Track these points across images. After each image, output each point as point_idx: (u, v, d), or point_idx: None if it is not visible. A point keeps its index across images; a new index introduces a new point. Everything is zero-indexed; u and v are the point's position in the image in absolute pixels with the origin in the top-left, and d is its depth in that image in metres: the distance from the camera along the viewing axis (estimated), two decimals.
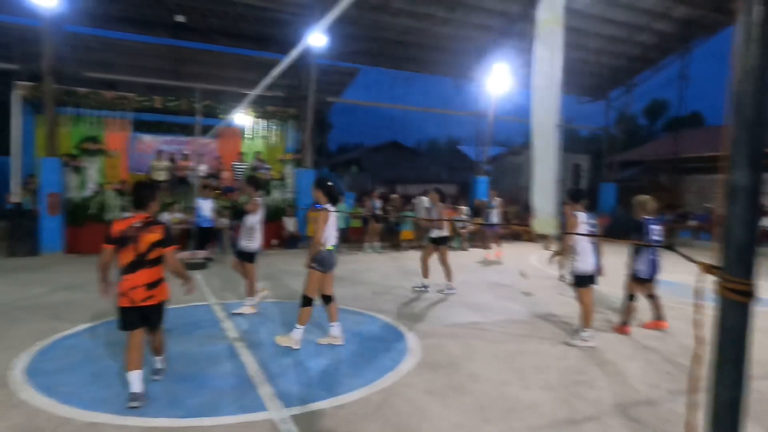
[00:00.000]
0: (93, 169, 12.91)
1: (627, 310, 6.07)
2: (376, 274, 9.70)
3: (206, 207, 10.85)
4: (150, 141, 14.82)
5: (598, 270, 5.78)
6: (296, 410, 3.62)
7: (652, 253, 5.88)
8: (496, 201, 13.65)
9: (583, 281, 5.61)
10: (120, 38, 13.79)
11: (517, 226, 16.30)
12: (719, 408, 1.62)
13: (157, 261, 3.71)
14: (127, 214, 3.77)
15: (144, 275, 3.64)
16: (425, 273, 8.20)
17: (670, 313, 6.98)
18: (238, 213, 7.50)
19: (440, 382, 4.23)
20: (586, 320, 5.52)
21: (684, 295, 8.29)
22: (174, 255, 3.79)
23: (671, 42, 17.23)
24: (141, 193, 3.79)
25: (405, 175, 25.50)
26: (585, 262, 5.54)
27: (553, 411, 3.72)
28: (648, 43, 17.24)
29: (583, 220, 5.66)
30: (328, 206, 5.08)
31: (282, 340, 5.10)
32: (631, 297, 6.09)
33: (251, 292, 6.47)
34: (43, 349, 4.90)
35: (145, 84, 14.09)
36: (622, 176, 21.70)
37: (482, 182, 18.06)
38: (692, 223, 18.10)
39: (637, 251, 5.99)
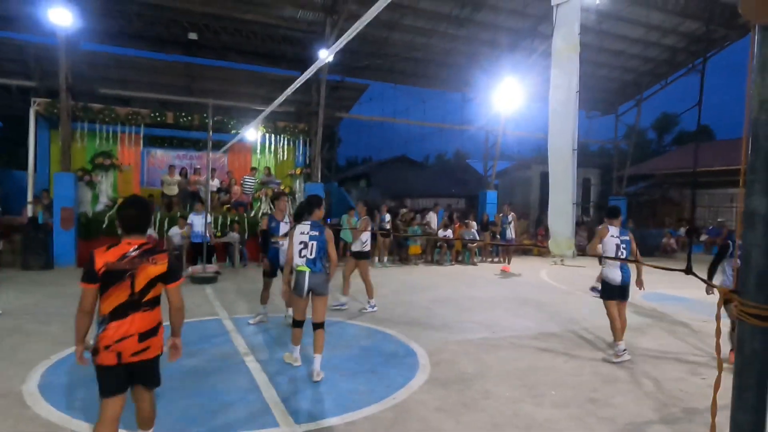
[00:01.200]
0: (106, 184, 13.08)
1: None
2: (385, 289, 9.69)
3: (198, 223, 10.67)
4: (162, 156, 15.03)
5: (637, 283, 5.83)
6: (308, 427, 3.62)
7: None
8: (511, 215, 13.67)
9: (606, 292, 5.64)
10: (134, 55, 14.07)
11: (529, 245, 16.22)
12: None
13: (156, 301, 2.81)
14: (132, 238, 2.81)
15: (138, 321, 2.71)
16: (345, 289, 7.84)
17: (682, 330, 6.92)
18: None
19: (452, 399, 4.21)
20: (614, 333, 5.52)
21: (697, 311, 8.21)
22: (180, 292, 2.90)
23: (680, 56, 17.26)
24: (135, 212, 2.83)
25: (413, 190, 25.53)
26: (611, 272, 5.59)
27: (567, 429, 3.68)
28: (658, 58, 17.27)
29: (614, 234, 5.67)
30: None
31: (286, 357, 5.12)
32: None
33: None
34: (57, 363, 4.94)
35: (158, 100, 14.34)
36: (632, 190, 21.60)
37: (491, 196, 18.06)
38: (704, 237, 17.93)
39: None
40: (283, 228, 6.44)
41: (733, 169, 17.32)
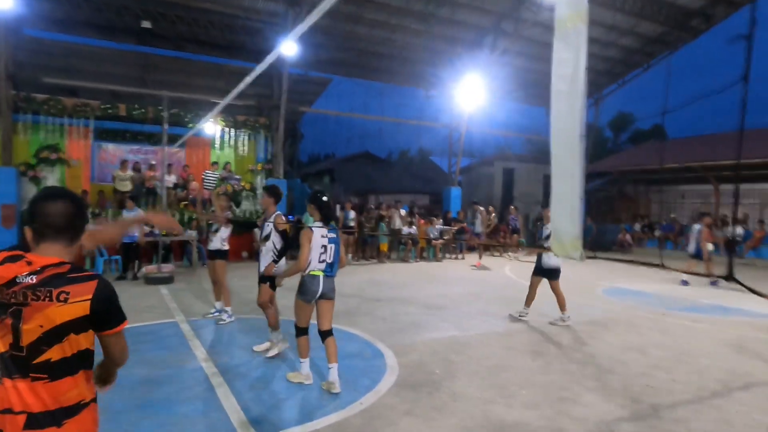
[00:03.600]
0: (52, 179, 12.32)
1: None
2: (350, 288, 9.49)
3: None
4: (114, 150, 14.27)
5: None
6: None
7: None
8: (480, 211, 13.86)
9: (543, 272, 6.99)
10: (82, 43, 13.27)
11: (496, 244, 16.33)
12: None
13: (67, 368, 1.60)
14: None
15: (27, 394, 1.55)
16: (218, 295, 6.85)
17: (646, 324, 7.03)
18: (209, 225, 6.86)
19: (422, 403, 4.06)
20: (528, 302, 7.08)
21: (656, 305, 8.39)
22: (122, 343, 1.82)
23: (636, 57, 17.75)
24: (55, 210, 1.65)
25: (377, 186, 25.37)
26: (552, 260, 6.87)
27: (539, 431, 3.60)
28: (614, 57, 17.71)
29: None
30: (318, 224, 4.31)
31: (293, 377, 4.49)
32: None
33: (274, 323, 5.29)
34: None
35: (109, 91, 13.59)
36: (590, 187, 22.15)
37: (455, 193, 18.11)
38: (658, 233, 18.55)
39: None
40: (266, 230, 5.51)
41: (683, 167, 18.00)
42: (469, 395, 4.26)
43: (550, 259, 6.85)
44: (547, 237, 6.61)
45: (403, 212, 15.44)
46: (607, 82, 19.15)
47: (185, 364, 4.88)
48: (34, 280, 1.55)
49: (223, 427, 3.53)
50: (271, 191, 5.57)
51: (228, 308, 6.63)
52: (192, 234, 12.11)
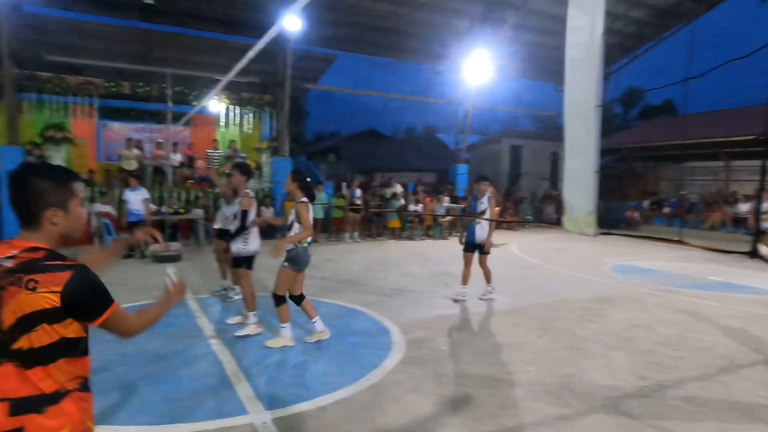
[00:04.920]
0: (58, 158, 12.34)
1: None
2: (356, 265, 9.52)
3: (135, 199, 9.91)
4: (119, 129, 14.26)
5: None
6: (278, 413, 3.43)
7: None
8: (490, 190, 13.78)
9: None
10: (85, 20, 13.11)
11: (509, 221, 16.24)
12: None
13: (41, 357, 1.49)
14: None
15: (4, 380, 1.48)
16: (224, 274, 6.82)
17: (652, 301, 7.01)
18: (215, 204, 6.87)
19: (428, 379, 4.09)
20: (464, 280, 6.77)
21: (662, 282, 8.36)
22: (124, 320, 1.65)
23: (647, 30, 17.33)
24: (21, 190, 1.55)
25: (383, 164, 25.20)
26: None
27: (544, 407, 3.62)
28: (625, 31, 17.28)
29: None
30: (304, 199, 4.70)
31: (274, 343, 4.77)
32: None
33: (251, 305, 5.23)
34: None
35: (113, 69, 13.49)
36: (599, 164, 21.90)
37: (461, 170, 17.98)
38: (666, 210, 18.39)
39: None
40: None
41: (695, 143, 17.73)
42: (474, 372, 4.28)
43: (483, 233, 6.64)
44: (483, 212, 6.66)
45: (399, 189, 15.39)
46: (617, 56, 18.73)
47: (194, 342, 4.93)
48: (11, 264, 1.47)
49: (231, 403, 3.58)
50: (243, 169, 5.48)
51: (237, 287, 6.67)
52: (198, 213, 12.14)
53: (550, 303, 6.79)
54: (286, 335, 4.81)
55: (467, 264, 6.79)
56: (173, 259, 9.54)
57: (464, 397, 3.76)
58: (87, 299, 1.51)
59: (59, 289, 1.45)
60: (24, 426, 1.46)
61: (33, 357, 1.47)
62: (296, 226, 4.71)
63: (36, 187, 1.53)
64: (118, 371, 4.05)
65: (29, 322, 1.45)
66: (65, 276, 1.47)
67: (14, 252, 1.49)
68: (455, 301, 6.75)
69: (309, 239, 4.74)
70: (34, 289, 1.44)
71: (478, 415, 3.47)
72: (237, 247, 5.32)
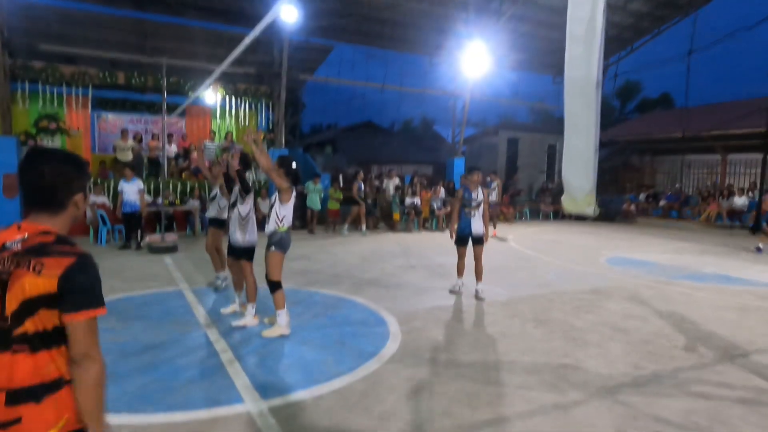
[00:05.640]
0: None
1: None
2: (353, 257, 9.51)
3: (131, 190, 9.89)
4: (114, 120, 14.16)
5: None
6: (274, 402, 3.44)
7: None
8: (496, 182, 14.05)
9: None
10: (79, 9, 12.97)
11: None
12: None
13: (45, 340, 1.46)
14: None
15: (4, 368, 1.45)
16: (216, 265, 6.80)
17: (648, 292, 7.03)
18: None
19: (424, 369, 4.10)
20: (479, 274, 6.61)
21: (658, 274, 8.39)
22: (89, 334, 1.48)
23: (645, 22, 17.29)
24: (36, 174, 1.52)
25: (380, 156, 25.15)
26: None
27: (540, 396, 3.63)
28: (623, 23, 17.25)
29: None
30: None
31: (271, 332, 4.79)
32: None
33: (252, 296, 5.25)
34: None
35: (108, 59, 13.36)
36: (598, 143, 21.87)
37: (458, 163, 17.95)
38: (662, 203, 18.44)
39: None
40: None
41: (690, 137, 17.75)
42: (470, 362, 4.29)
43: (479, 226, 6.58)
44: (478, 204, 6.56)
45: (396, 182, 15.39)
46: (615, 49, 18.70)
47: (189, 331, 4.92)
48: (19, 247, 1.46)
49: (228, 392, 3.57)
50: (242, 160, 5.46)
51: (221, 273, 6.70)
52: (194, 204, 12.10)
53: (546, 294, 6.81)
54: (282, 323, 4.83)
55: (461, 256, 6.75)
56: (169, 250, 9.51)
57: (461, 386, 3.77)
58: (81, 287, 1.47)
59: (60, 272, 1.43)
60: (21, 416, 1.44)
61: (39, 340, 1.45)
62: (275, 207, 4.83)
63: (66, 171, 1.54)
64: (114, 360, 4.04)
65: (32, 305, 1.43)
66: (69, 261, 1.45)
67: (25, 235, 1.49)
68: (452, 292, 6.75)
69: (288, 224, 4.87)
70: (39, 272, 1.43)
71: (475, 404, 3.47)
72: (235, 238, 5.31)
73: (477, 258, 6.62)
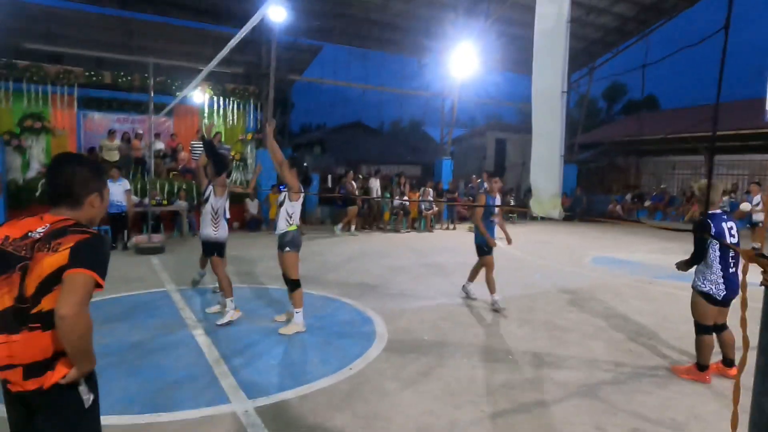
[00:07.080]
0: (38, 149, 12.11)
1: None
2: (341, 257, 9.55)
3: (117, 191, 9.79)
4: (100, 119, 14.00)
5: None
6: (260, 402, 3.46)
7: None
8: (496, 183, 13.98)
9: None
10: (64, 7, 12.84)
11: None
12: (763, 419, 1.38)
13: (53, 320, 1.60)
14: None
15: (20, 346, 1.62)
16: (204, 264, 6.66)
17: (630, 292, 7.16)
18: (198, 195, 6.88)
19: (409, 368, 4.15)
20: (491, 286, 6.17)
21: (641, 273, 8.53)
22: (79, 289, 1.58)
23: (631, 25, 17.51)
24: (56, 174, 1.79)
25: (368, 156, 25.20)
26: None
27: (523, 395, 3.70)
28: (608, 26, 17.46)
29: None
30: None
31: (287, 330, 4.93)
32: None
33: (228, 291, 5.25)
34: None
35: (94, 58, 13.25)
36: (582, 158, 22.14)
37: (446, 164, 18.05)
38: (648, 203, 18.70)
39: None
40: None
41: (676, 137, 18.01)
42: (455, 361, 4.35)
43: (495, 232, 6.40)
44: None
45: (376, 184, 15.25)
46: (600, 51, 18.92)
47: (176, 332, 4.93)
48: (41, 235, 1.66)
49: (214, 392, 3.59)
50: (206, 146, 5.66)
51: (203, 270, 6.69)
52: (182, 204, 12.04)
53: (531, 294, 6.90)
54: (299, 321, 4.99)
55: (492, 267, 6.19)
56: (156, 251, 9.47)
57: (445, 385, 3.83)
58: (85, 253, 1.62)
59: (72, 244, 1.62)
60: (42, 384, 1.64)
61: (50, 320, 1.60)
62: (285, 205, 4.93)
63: (82, 174, 1.78)
64: (100, 361, 4.02)
65: (48, 282, 1.61)
66: (82, 236, 1.65)
67: (47, 225, 1.70)
68: (495, 310, 6.00)
69: (297, 222, 4.99)
70: (56, 250, 1.61)
71: (458, 403, 3.53)
72: (206, 233, 5.38)
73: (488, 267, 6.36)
